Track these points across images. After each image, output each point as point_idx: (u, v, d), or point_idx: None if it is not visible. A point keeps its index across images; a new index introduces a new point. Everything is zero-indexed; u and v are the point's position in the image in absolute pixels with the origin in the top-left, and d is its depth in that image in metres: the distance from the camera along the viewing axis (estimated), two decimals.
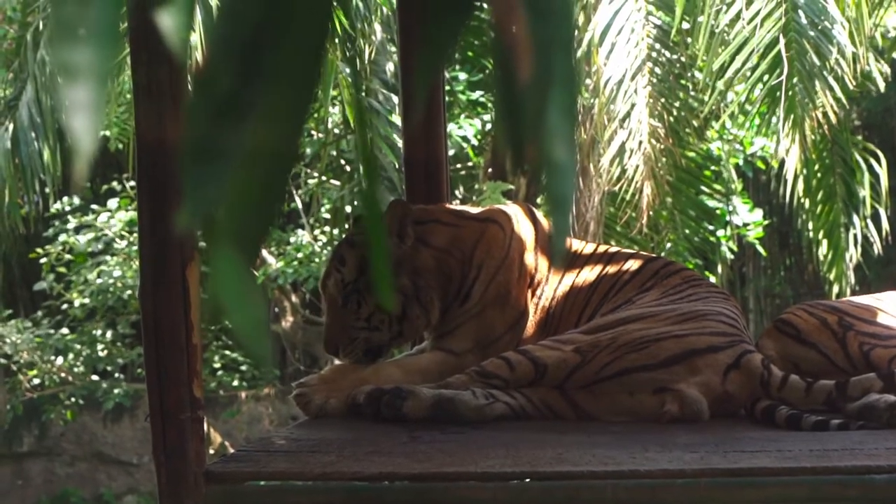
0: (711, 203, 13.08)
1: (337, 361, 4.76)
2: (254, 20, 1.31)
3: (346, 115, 11.65)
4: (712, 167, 13.12)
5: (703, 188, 12.72)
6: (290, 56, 1.31)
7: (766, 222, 14.24)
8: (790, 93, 9.76)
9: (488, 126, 13.60)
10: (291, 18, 1.31)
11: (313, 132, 13.32)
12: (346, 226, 13.05)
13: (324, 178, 13.77)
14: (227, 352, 16.34)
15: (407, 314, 4.67)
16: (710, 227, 12.96)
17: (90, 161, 1.23)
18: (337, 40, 9.66)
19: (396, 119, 10.94)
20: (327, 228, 14.58)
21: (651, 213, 11.04)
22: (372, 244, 1.43)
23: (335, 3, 1.35)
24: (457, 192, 13.82)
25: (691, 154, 12.05)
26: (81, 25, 1.23)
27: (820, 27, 9.80)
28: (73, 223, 15.36)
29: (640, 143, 10.68)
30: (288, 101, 1.32)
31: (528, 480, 3.52)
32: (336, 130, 13.04)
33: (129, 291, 15.13)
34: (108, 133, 13.10)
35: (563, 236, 1.35)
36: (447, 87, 10.29)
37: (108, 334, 16.04)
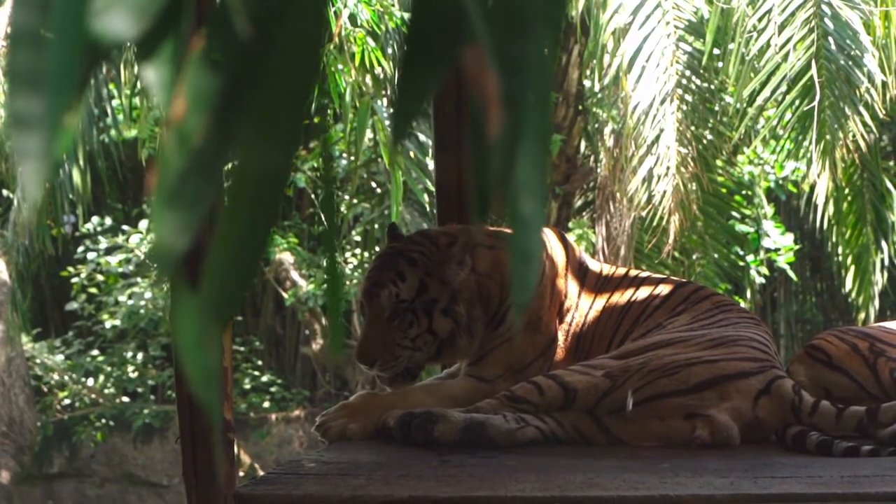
0: (742, 227, 13.04)
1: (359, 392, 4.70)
2: (235, 66, 1.30)
3: (376, 138, 11.68)
4: (743, 191, 13.08)
5: (734, 213, 12.68)
6: (271, 107, 1.30)
7: (797, 247, 14.19)
8: (821, 118, 9.73)
9: None
10: (275, 66, 1.30)
11: (344, 154, 13.35)
12: (377, 249, 13.04)
13: (354, 200, 13.80)
14: (257, 374, 16.37)
15: (455, 341, 4.61)
16: (741, 252, 12.92)
17: (38, 206, 1.22)
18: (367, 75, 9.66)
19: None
20: (358, 251, 14.59)
21: (680, 238, 10.98)
22: (329, 299, 1.43)
23: (320, 58, 1.35)
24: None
25: (721, 179, 12.00)
26: (36, 75, 1.22)
27: (850, 54, 9.78)
28: (103, 243, 15.44)
29: (668, 168, 10.63)
30: (268, 151, 1.30)
31: None
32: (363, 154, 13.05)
33: (159, 313, 15.18)
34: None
35: (525, 290, 1.35)
36: None
37: (139, 356, 16.10)
